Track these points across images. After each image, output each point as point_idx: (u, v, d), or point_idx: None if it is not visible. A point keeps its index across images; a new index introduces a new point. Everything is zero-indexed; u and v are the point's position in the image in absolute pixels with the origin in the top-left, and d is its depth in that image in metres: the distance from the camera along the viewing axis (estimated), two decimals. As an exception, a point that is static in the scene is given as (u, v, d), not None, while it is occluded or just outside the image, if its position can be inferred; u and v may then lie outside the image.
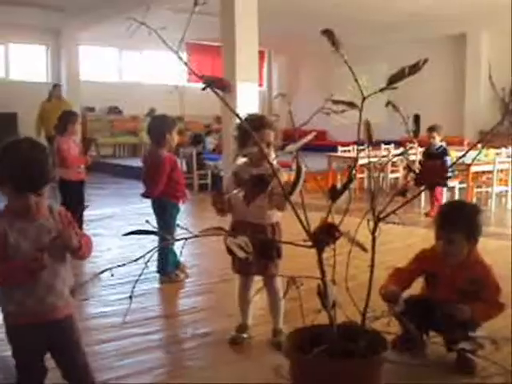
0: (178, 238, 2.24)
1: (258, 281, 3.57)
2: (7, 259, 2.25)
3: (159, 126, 4.94)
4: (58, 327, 2.41)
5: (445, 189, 8.64)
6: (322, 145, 13.51)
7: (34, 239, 2.29)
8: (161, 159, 4.82)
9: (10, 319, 2.38)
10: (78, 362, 2.49)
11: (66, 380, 2.52)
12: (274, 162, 3.26)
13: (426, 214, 7.97)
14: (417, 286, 3.23)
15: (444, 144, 7.93)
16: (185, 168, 10.60)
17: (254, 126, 3.20)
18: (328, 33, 1.99)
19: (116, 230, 6.99)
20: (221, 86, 2.11)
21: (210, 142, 13.14)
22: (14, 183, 2.25)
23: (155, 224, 4.68)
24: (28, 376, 2.42)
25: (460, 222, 3.01)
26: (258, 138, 3.18)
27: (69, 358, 2.48)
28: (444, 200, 8.46)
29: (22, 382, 2.44)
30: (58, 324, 2.40)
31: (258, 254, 3.13)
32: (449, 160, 7.21)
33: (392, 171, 10.27)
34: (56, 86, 12.50)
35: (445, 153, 7.62)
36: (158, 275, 4.93)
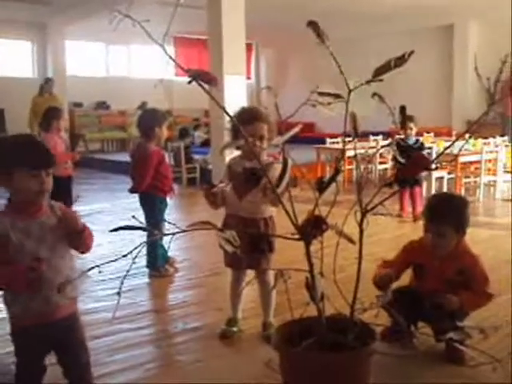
0: (166, 232, 2.24)
1: (249, 274, 3.57)
2: (8, 261, 2.22)
3: (149, 119, 4.94)
4: (63, 326, 2.39)
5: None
6: (311, 137, 13.50)
7: (37, 237, 2.27)
8: (148, 153, 4.81)
9: (15, 320, 2.36)
10: (81, 360, 2.49)
11: (67, 378, 2.51)
12: (266, 157, 3.26)
13: (399, 215, 7.21)
14: (405, 278, 3.24)
15: (420, 138, 7.51)
16: (172, 162, 10.57)
17: (245, 119, 3.18)
18: (313, 24, 1.99)
19: (105, 225, 6.96)
20: (207, 79, 2.10)
21: (199, 135, 13.13)
22: (28, 162, 2.23)
23: (143, 219, 4.69)
24: (28, 374, 2.41)
25: (449, 215, 3.02)
26: (251, 131, 3.18)
27: (72, 355, 2.47)
28: (433, 192, 8.50)
29: (21, 379, 2.42)
30: (62, 323, 2.39)
31: (249, 248, 3.16)
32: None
33: (380, 162, 10.30)
34: (48, 81, 12.22)
35: (421, 148, 7.06)
36: (147, 270, 4.93)
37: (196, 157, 11.03)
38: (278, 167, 2.88)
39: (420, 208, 6.61)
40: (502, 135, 10.58)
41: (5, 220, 2.24)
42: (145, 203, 4.88)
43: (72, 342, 2.46)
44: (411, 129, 7.00)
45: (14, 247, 2.22)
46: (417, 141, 7.13)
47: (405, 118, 2.09)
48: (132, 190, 4.95)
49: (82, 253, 2.49)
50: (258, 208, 3.30)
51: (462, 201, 3.20)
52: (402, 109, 2.16)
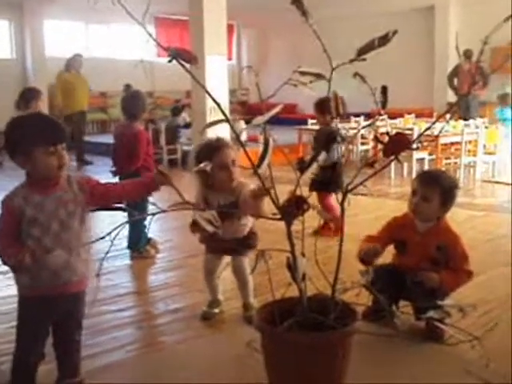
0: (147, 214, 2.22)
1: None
2: (20, 237, 2.28)
3: (134, 101, 4.95)
4: (69, 301, 2.44)
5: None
6: (293, 118, 13.48)
7: (50, 212, 2.30)
8: (137, 134, 4.81)
9: (23, 291, 2.40)
10: (75, 338, 2.55)
11: (59, 359, 2.55)
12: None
13: (316, 232, 4.35)
14: (388, 256, 3.26)
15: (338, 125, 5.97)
16: (163, 141, 10.57)
17: (212, 149, 3.23)
18: (297, 2, 1.97)
19: (86, 207, 6.93)
20: (187, 58, 2.07)
21: (184, 117, 13.00)
22: (46, 140, 2.28)
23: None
24: (25, 353, 2.43)
25: (439, 181, 3.09)
26: (223, 158, 3.20)
27: (69, 333, 2.52)
28: (414, 173, 8.56)
29: (18, 360, 2.45)
30: (69, 298, 2.43)
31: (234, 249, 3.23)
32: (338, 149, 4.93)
33: (362, 143, 10.32)
34: (77, 57, 11.33)
35: (331, 136, 5.01)
36: (128, 252, 4.91)
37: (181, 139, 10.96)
38: (249, 185, 2.91)
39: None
40: (465, 119, 10.13)
41: (21, 195, 2.30)
42: None
43: (72, 318, 2.50)
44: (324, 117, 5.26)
45: (28, 221, 2.28)
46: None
47: (386, 99, 2.08)
48: (117, 172, 4.89)
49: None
50: (238, 231, 3.37)
51: (453, 180, 3.32)
52: (384, 89, 2.14)
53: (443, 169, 8.44)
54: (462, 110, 11.19)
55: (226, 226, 3.26)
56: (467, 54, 11.35)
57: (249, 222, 3.41)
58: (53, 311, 2.42)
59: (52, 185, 2.33)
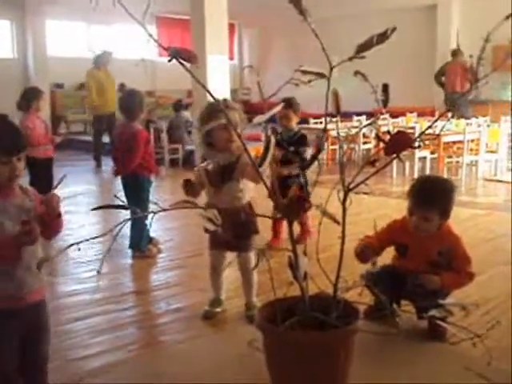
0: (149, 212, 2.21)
1: (229, 253, 3.56)
2: None
3: (131, 100, 4.96)
4: (34, 311, 2.34)
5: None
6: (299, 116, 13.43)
7: (14, 218, 2.21)
8: (136, 133, 4.82)
9: None
10: (42, 350, 2.42)
11: (23, 369, 2.37)
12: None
13: (269, 246, 4.72)
14: (388, 257, 3.25)
15: (303, 131, 5.44)
16: (165, 141, 10.52)
17: (214, 111, 3.23)
18: (295, 1, 1.96)
19: (88, 207, 6.88)
20: (187, 57, 2.06)
21: (187, 116, 12.96)
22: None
23: (125, 200, 4.65)
24: (4, 366, 2.29)
25: (436, 200, 2.99)
26: (220, 121, 3.23)
27: (35, 344, 2.39)
28: (416, 171, 8.55)
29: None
30: (34, 308, 2.34)
31: (234, 236, 3.21)
32: (307, 151, 4.90)
33: (364, 142, 10.32)
34: (105, 53, 10.99)
35: (302, 142, 5.02)
36: (130, 251, 4.91)
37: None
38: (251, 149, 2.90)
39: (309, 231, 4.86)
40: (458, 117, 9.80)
41: None
42: (131, 184, 4.83)
43: (39, 329, 2.39)
44: (289, 119, 5.06)
45: None
46: (297, 132, 5.16)
47: (387, 97, 2.07)
48: (118, 173, 4.90)
49: (49, 238, 2.40)
50: (235, 198, 3.37)
51: (449, 185, 3.15)
52: (385, 87, 2.13)
53: (440, 171, 8.46)
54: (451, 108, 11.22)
55: (224, 190, 3.28)
56: (455, 53, 11.40)
57: (246, 191, 3.42)
58: (17, 323, 2.29)
59: (6, 193, 2.23)
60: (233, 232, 3.10)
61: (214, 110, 3.23)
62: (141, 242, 4.90)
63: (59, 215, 2.30)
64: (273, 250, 4.17)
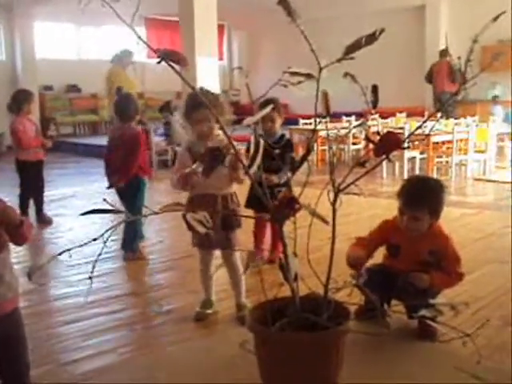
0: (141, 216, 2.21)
1: (218, 257, 3.57)
2: None
3: (127, 103, 4.97)
4: (8, 321, 2.28)
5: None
6: (284, 118, 13.45)
7: None
8: (137, 134, 4.92)
9: None
10: (22, 359, 2.37)
11: (3, 378, 2.35)
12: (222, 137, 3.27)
13: (271, 261, 4.02)
14: (378, 256, 3.27)
15: (286, 133, 5.23)
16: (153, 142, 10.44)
17: (195, 104, 3.27)
18: (283, 2, 1.96)
19: (78, 209, 6.89)
20: (176, 59, 2.06)
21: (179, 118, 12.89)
22: None
23: (119, 203, 4.64)
24: None
25: (426, 200, 3.02)
26: (198, 115, 3.29)
27: (15, 353, 2.34)
28: (405, 171, 8.58)
29: None
30: (7, 318, 2.28)
31: (220, 224, 3.23)
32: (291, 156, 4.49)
33: (353, 143, 10.34)
34: (129, 53, 10.09)
35: (288, 147, 4.55)
36: (121, 253, 4.90)
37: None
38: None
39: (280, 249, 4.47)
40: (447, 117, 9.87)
41: None
42: (129, 185, 4.75)
43: (15, 338, 2.34)
44: (273, 121, 4.54)
45: None
46: (282, 136, 4.69)
47: (377, 98, 2.08)
48: (118, 181, 4.78)
49: (19, 245, 2.35)
50: (224, 183, 3.36)
51: (438, 185, 3.17)
52: (374, 88, 2.14)
53: (430, 171, 8.50)
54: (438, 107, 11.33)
55: (214, 176, 3.30)
56: (443, 53, 11.48)
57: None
58: None
59: None
60: (221, 220, 3.26)
61: (195, 103, 3.28)
62: (133, 243, 4.90)
63: (21, 223, 2.23)
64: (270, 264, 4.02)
